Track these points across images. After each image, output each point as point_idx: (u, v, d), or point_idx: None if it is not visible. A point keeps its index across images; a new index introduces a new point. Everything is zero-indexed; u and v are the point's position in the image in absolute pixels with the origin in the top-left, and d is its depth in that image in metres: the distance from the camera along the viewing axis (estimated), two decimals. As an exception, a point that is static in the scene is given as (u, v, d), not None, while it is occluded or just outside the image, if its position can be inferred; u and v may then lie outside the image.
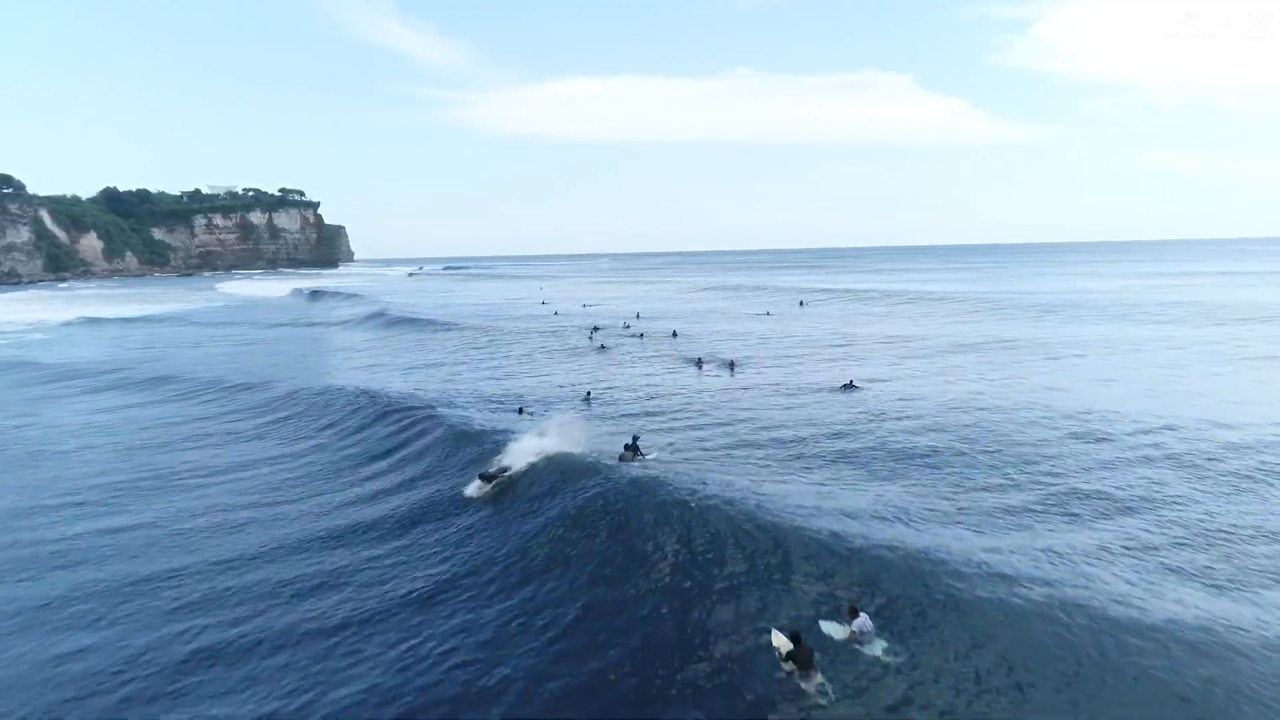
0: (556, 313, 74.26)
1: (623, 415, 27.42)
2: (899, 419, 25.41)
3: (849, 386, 31.55)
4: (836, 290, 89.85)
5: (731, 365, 38.17)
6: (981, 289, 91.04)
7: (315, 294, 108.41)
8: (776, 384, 33.27)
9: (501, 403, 30.18)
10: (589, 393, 31.35)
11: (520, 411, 27.58)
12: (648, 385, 34.00)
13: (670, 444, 22.62)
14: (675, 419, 26.55)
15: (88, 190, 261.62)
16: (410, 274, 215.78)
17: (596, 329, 55.45)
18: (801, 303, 79.41)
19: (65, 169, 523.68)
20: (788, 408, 27.86)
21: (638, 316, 66.53)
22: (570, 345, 48.69)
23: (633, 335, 52.59)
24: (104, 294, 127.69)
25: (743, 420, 25.87)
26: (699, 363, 39.51)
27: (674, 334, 52.26)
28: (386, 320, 69.41)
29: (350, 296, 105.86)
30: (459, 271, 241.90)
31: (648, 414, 27.54)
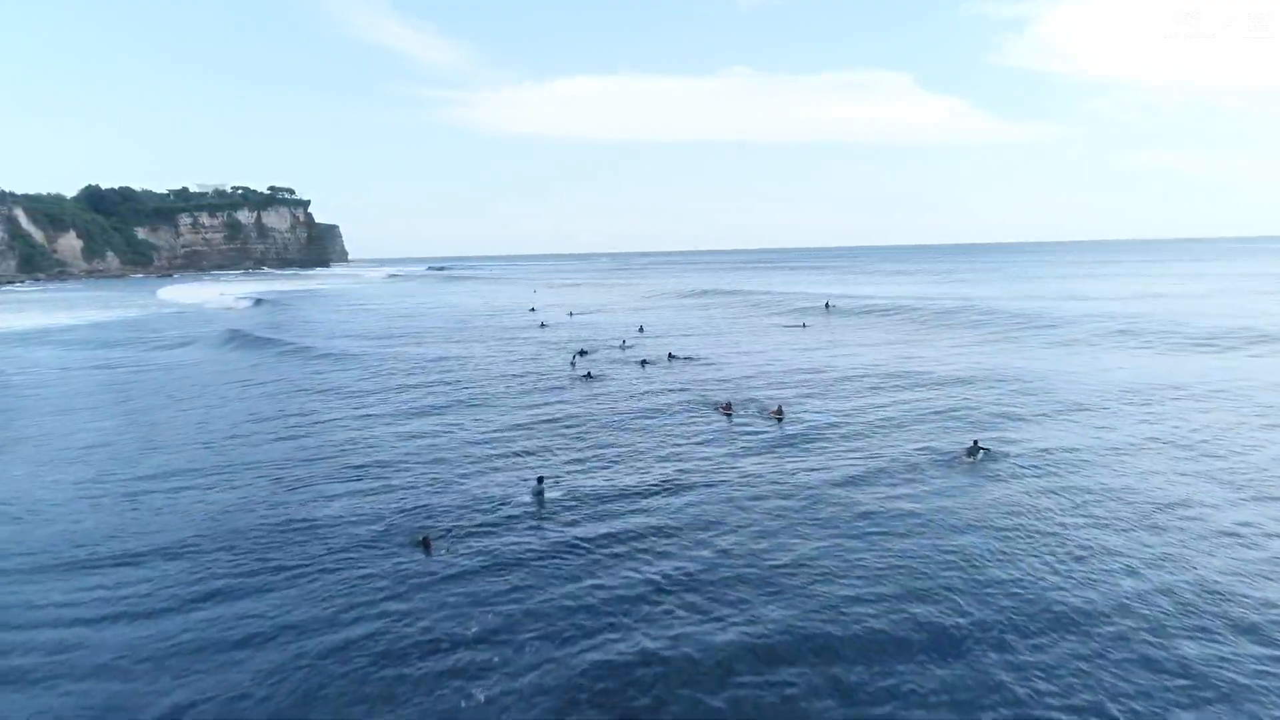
0: (544, 324, 61.48)
1: (584, 535, 15.18)
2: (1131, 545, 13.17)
3: (974, 451, 19.99)
4: (859, 296, 77.36)
5: (779, 414, 25.79)
6: (1024, 293, 78.40)
7: (258, 302, 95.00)
8: (857, 455, 20.98)
9: (401, 516, 17.84)
10: (540, 479, 18.80)
11: (425, 545, 15.28)
12: (644, 456, 21.65)
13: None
14: (682, 579, 14.02)
15: (76, 190, 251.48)
16: (390, 275, 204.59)
17: (582, 353, 42.03)
18: (828, 305, 68.05)
19: (58, 168, 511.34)
20: (906, 532, 15.39)
21: (640, 331, 53.46)
22: (546, 379, 35.58)
23: (633, 360, 39.65)
24: (39, 299, 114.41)
25: (827, 575, 13.49)
26: (727, 408, 27.18)
27: (670, 356, 39.79)
28: (293, 348, 51.12)
29: (288, 305, 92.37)
30: (441, 272, 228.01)
31: (632, 550, 15.22)
